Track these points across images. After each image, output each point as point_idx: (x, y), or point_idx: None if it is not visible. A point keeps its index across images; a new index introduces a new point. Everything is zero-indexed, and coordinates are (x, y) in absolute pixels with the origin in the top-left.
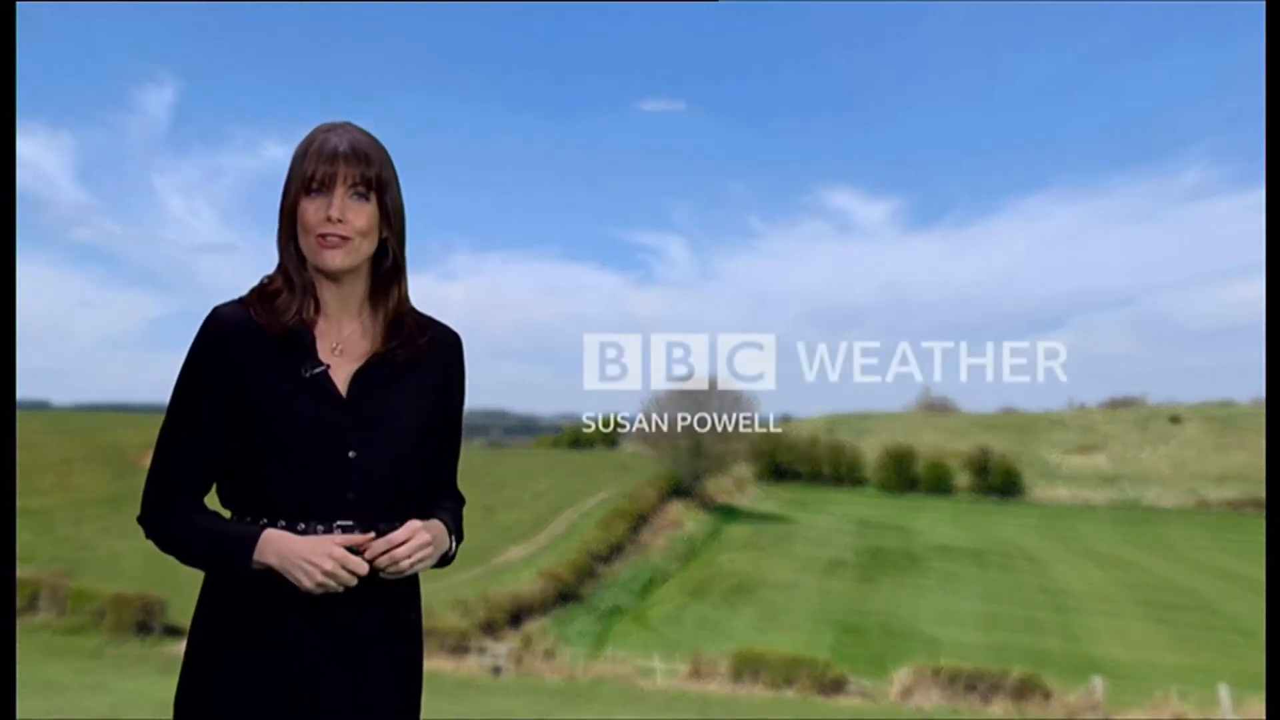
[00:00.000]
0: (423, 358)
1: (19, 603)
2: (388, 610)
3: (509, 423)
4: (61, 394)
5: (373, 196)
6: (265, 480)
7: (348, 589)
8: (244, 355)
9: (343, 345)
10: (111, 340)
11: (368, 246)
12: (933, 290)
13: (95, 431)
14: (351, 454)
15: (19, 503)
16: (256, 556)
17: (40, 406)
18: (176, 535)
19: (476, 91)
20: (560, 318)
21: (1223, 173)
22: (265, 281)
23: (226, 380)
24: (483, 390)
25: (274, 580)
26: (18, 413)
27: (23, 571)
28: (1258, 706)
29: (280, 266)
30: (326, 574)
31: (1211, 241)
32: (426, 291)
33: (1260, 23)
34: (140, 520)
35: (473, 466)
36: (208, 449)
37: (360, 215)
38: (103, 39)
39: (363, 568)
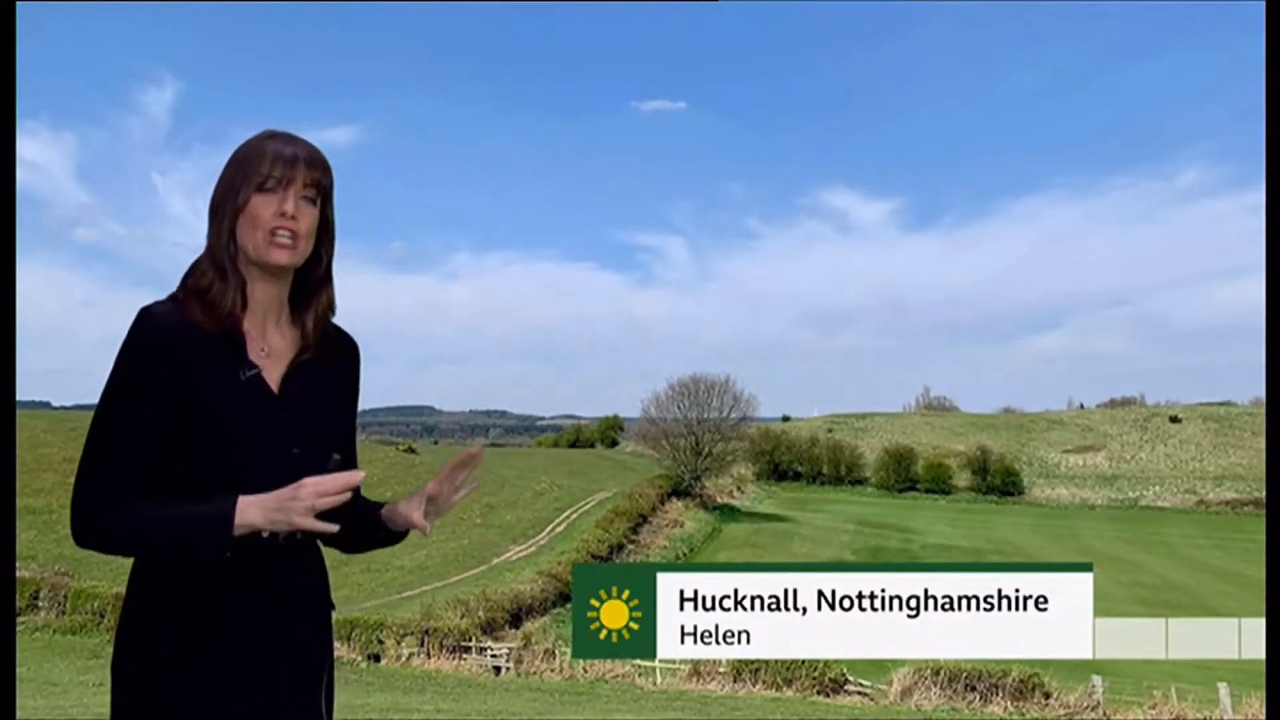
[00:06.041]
0: (336, 363)
1: (19, 602)
2: (301, 581)
3: (509, 423)
4: (64, 394)
5: (318, 203)
6: (207, 482)
7: (264, 562)
8: (181, 355)
9: (268, 347)
10: (114, 341)
11: (309, 249)
12: (930, 291)
13: None
14: (295, 450)
15: (20, 502)
16: (239, 520)
17: (42, 407)
18: (126, 530)
19: (477, 92)
20: (561, 318)
21: (1220, 173)
22: (196, 276)
23: (166, 380)
24: (483, 390)
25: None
26: (20, 413)
27: (24, 571)
28: (1257, 705)
29: (209, 260)
30: (309, 495)
31: (1209, 242)
32: (428, 292)
33: (1260, 23)
34: (77, 524)
35: None
36: (148, 450)
37: (307, 217)
38: (103, 39)
39: (338, 481)
